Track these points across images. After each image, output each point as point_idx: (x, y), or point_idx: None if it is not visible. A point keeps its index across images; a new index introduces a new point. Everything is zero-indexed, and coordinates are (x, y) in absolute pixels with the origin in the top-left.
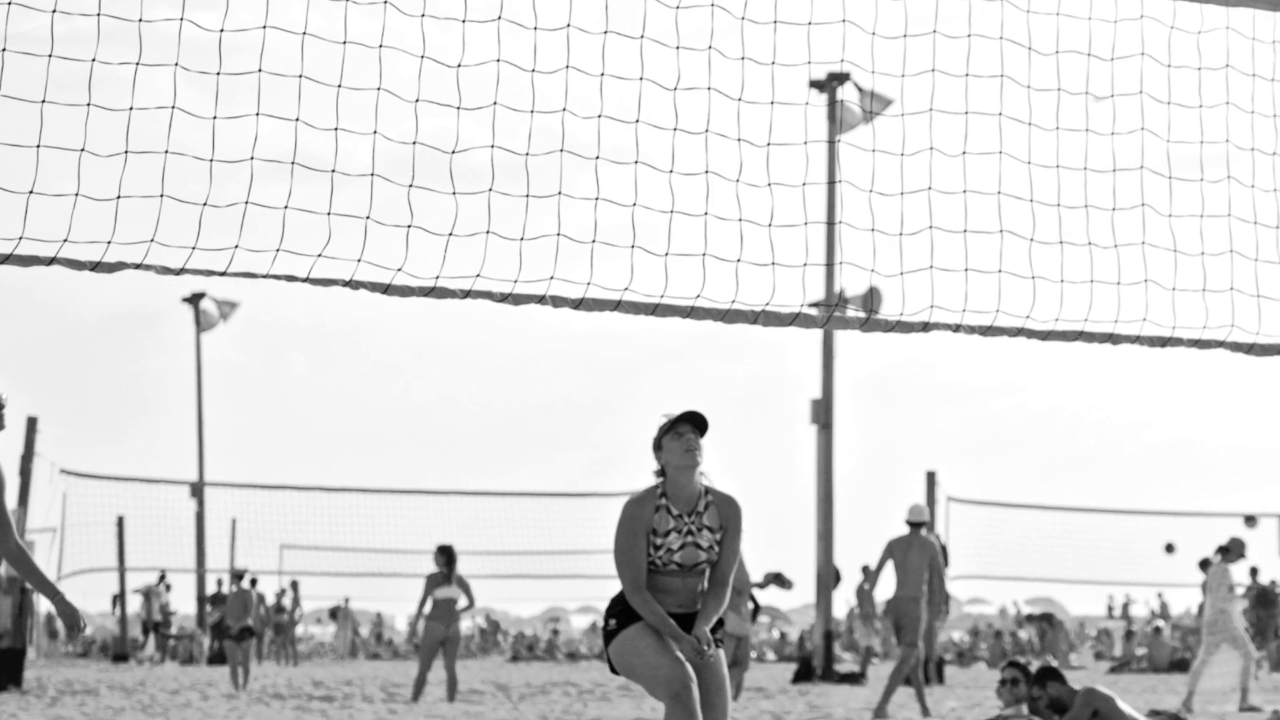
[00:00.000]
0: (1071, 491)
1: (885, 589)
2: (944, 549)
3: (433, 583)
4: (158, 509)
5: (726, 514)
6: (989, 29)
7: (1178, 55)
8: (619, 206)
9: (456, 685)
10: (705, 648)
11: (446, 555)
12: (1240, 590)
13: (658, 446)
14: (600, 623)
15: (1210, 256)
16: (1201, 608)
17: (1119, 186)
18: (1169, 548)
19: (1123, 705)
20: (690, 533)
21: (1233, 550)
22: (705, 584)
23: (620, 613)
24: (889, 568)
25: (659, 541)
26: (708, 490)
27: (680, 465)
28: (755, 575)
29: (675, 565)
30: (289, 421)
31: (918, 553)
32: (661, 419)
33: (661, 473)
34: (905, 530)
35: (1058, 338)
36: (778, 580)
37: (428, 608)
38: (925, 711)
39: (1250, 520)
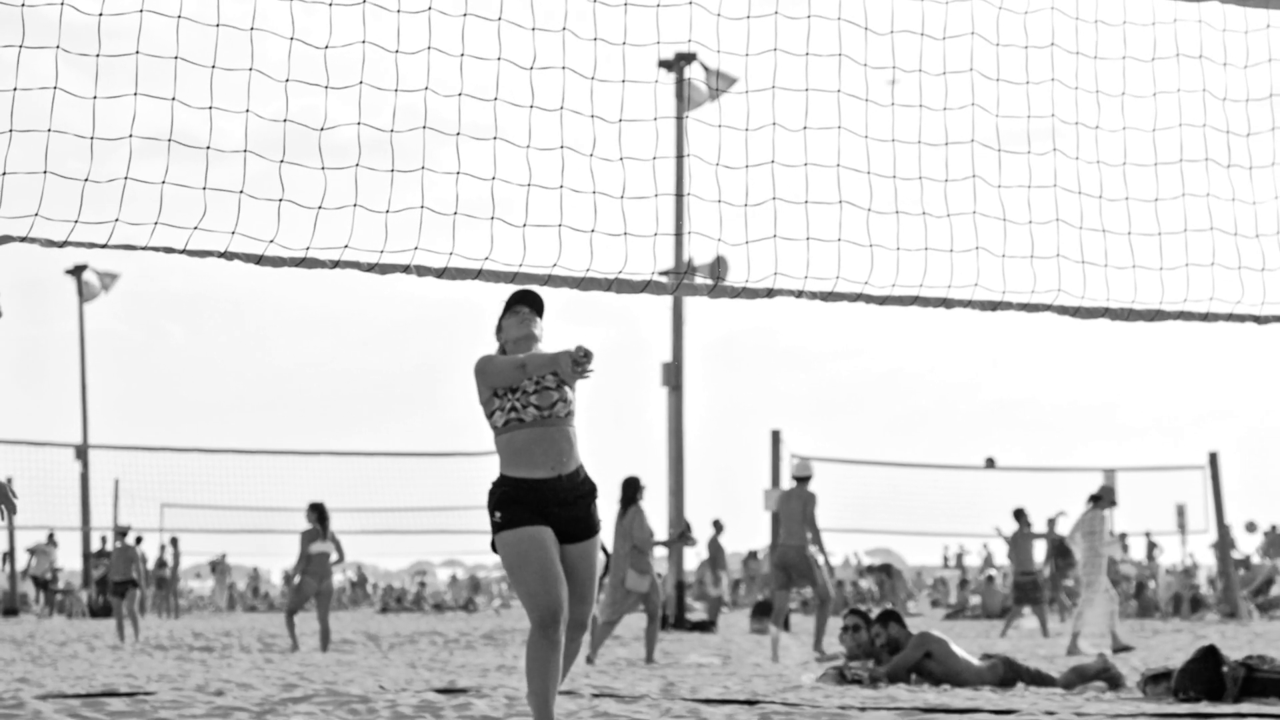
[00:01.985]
0: (909, 449)
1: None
2: None
3: (308, 538)
4: (44, 470)
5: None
6: (828, 10)
7: (1006, 34)
8: (479, 180)
9: (329, 636)
10: (585, 359)
11: (319, 512)
12: (1113, 536)
13: (499, 330)
14: (461, 575)
15: (1038, 225)
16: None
17: (951, 159)
18: (989, 462)
19: (955, 648)
20: (538, 381)
21: (1103, 498)
22: (568, 442)
23: (502, 498)
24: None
25: (516, 394)
26: None
27: (518, 337)
28: (661, 534)
29: (534, 409)
30: (168, 387)
31: (796, 503)
32: (501, 305)
33: (503, 353)
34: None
35: (895, 302)
36: (681, 538)
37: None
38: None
39: (990, 462)
